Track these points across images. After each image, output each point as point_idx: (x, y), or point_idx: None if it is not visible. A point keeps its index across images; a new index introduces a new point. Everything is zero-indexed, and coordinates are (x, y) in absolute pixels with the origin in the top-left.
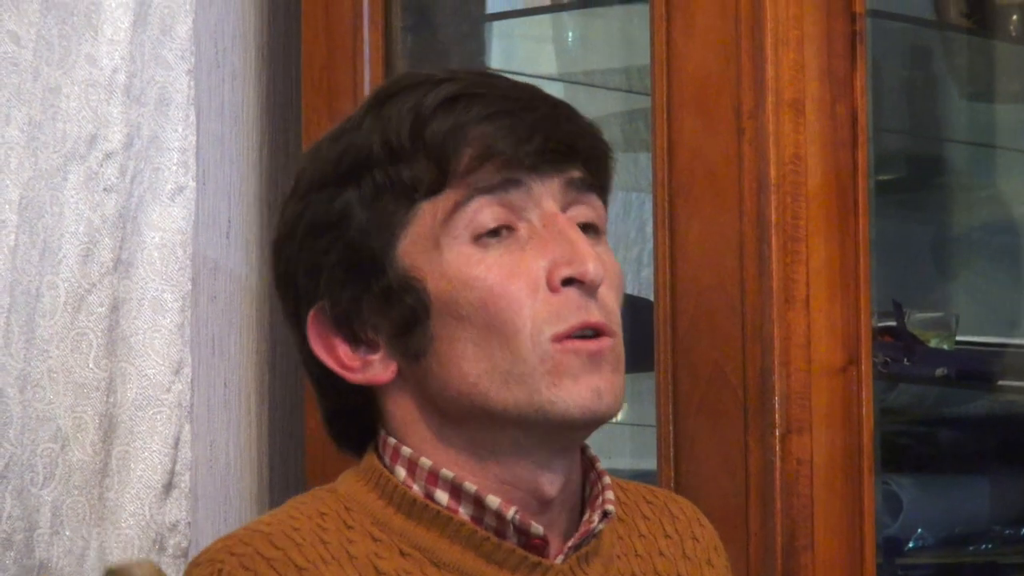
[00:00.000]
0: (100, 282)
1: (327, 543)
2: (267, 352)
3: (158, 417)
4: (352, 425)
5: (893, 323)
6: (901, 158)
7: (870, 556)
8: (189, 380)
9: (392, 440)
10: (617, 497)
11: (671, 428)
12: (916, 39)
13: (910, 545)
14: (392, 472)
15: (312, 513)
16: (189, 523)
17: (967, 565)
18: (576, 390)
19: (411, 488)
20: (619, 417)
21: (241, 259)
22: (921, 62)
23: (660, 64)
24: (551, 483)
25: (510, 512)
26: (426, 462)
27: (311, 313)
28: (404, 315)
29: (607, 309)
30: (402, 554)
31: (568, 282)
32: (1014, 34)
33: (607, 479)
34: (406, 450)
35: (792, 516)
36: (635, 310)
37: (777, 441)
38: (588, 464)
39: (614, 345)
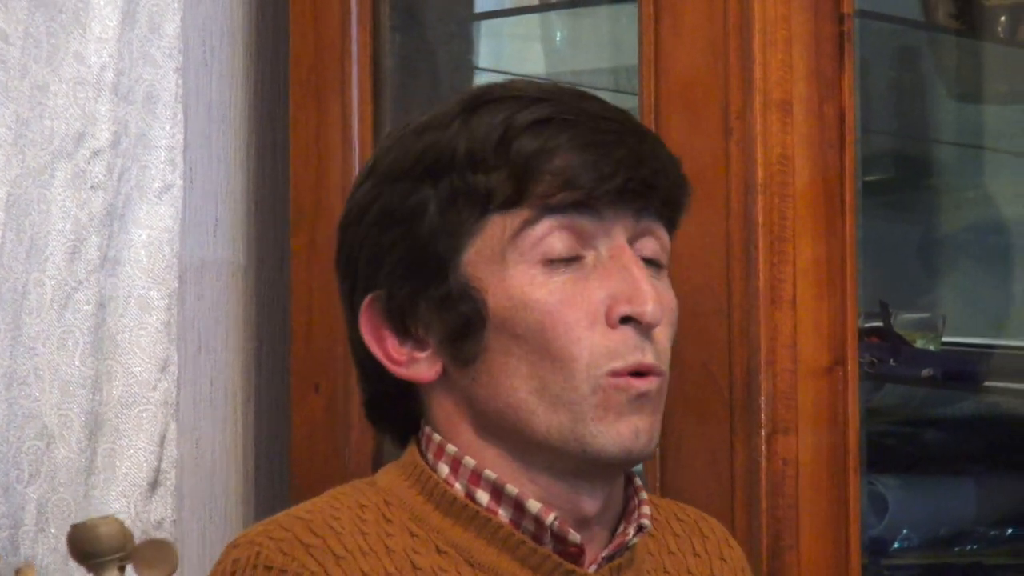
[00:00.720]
0: (87, 280)
1: (366, 534)
2: (253, 351)
3: (144, 415)
4: (392, 412)
5: (880, 324)
6: (889, 159)
7: (855, 556)
8: (175, 378)
9: (437, 437)
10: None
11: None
12: (904, 40)
13: (895, 545)
14: (435, 469)
15: (352, 504)
16: (175, 520)
17: (952, 566)
18: (617, 428)
19: (452, 486)
20: None
21: (228, 257)
22: (909, 63)
23: (648, 64)
24: (590, 504)
25: (549, 518)
26: (470, 461)
27: (367, 299)
28: (459, 322)
29: (660, 348)
30: (438, 551)
31: (626, 320)
32: (1002, 35)
33: (644, 494)
34: (451, 448)
35: (777, 516)
36: None
37: (763, 441)
38: (627, 478)
39: (661, 386)
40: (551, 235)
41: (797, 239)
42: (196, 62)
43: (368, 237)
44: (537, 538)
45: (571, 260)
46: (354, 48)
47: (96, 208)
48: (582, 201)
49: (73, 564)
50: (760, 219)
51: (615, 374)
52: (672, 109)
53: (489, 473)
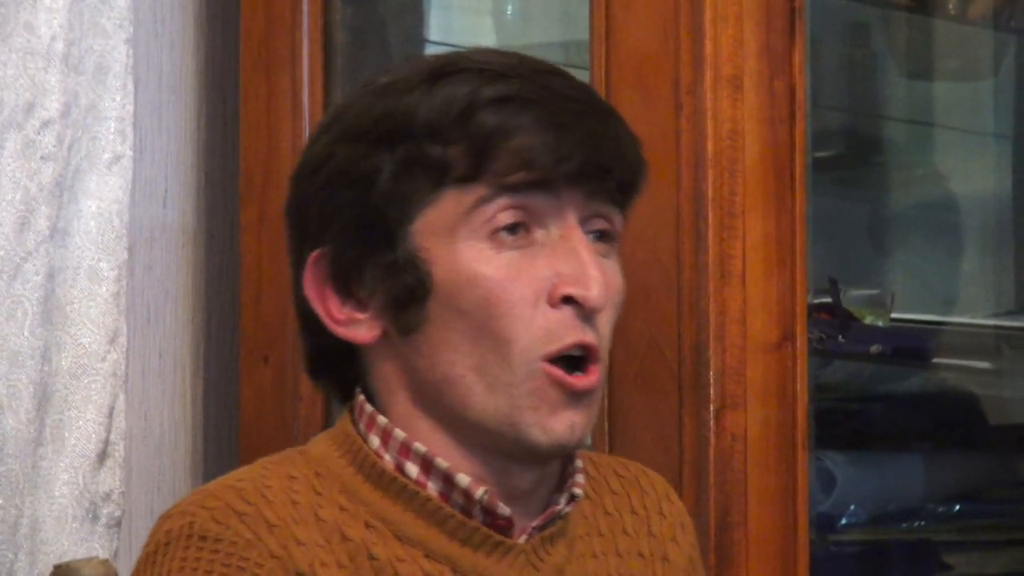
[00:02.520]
0: (36, 250)
1: (297, 504)
2: (202, 322)
3: (93, 386)
4: (333, 369)
5: (829, 300)
6: (839, 135)
7: (803, 532)
8: (124, 349)
9: (369, 408)
10: (587, 472)
11: (606, 403)
12: (855, 16)
13: (843, 521)
14: (366, 440)
15: (282, 475)
16: (123, 492)
17: (900, 542)
18: (551, 422)
19: (382, 458)
20: None
21: (177, 229)
22: (860, 39)
23: (599, 39)
24: (523, 482)
25: (479, 492)
26: (400, 434)
27: (313, 255)
28: (403, 290)
29: (601, 334)
30: (367, 526)
31: (569, 300)
32: (953, 12)
33: (579, 462)
34: (382, 419)
35: (726, 491)
36: None
37: (711, 416)
38: None
39: (598, 381)
40: (503, 213)
41: (747, 215)
42: (147, 33)
43: (320, 193)
44: (467, 511)
45: (520, 233)
46: (305, 20)
47: (46, 179)
48: (538, 181)
49: (21, 535)
50: (710, 194)
51: (551, 361)
52: (623, 84)
53: (419, 446)
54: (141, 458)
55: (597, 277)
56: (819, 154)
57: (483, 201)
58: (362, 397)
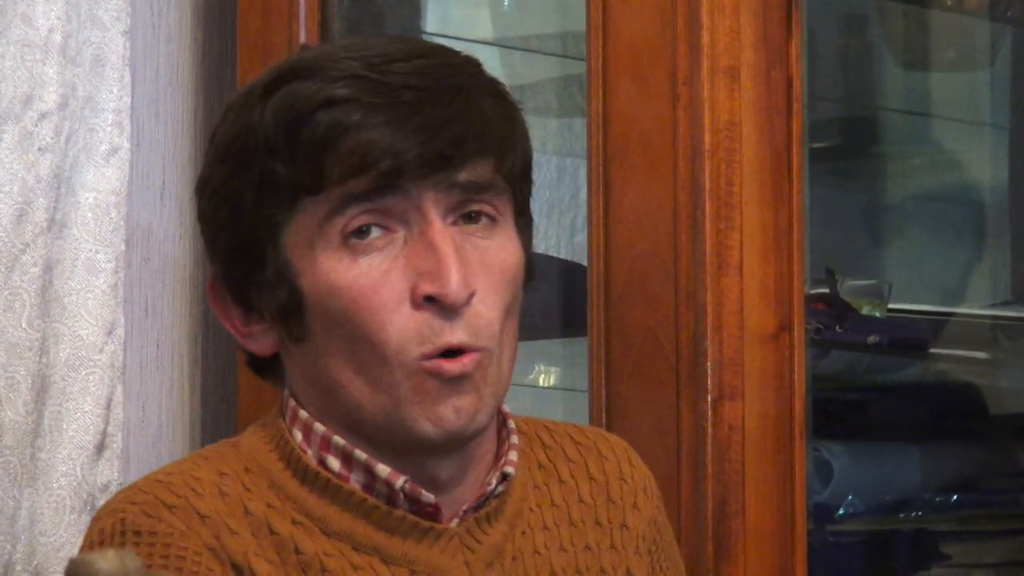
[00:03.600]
0: (34, 242)
1: (226, 496)
2: (200, 314)
3: (90, 378)
4: (269, 371)
5: (826, 290)
6: (836, 126)
7: (800, 522)
8: (122, 341)
9: (292, 402)
10: (542, 440)
11: (603, 393)
12: (851, 7)
13: (840, 512)
14: (291, 434)
15: (212, 471)
16: (121, 484)
17: (897, 532)
18: (435, 411)
19: (306, 452)
20: (551, 382)
21: (175, 221)
22: (856, 30)
23: (596, 30)
24: (443, 471)
25: (399, 481)
26: (320, 428)
27: (211, 274)
28: (282, 303)
29: (476, 324)
30: (294, 522)
31: (431, 299)
32: (949, 3)
33: (515, 438)
34: (303, 414)
35: (723, 482)
36: (569, 275)
37: (709, 407)
38: (501, 422)
39: (480, 360)
40: (356, 219)
41: (744, 205)
42: (144, 25)
43: (205, 214)
44: (391, 501)
45: (376, 235)
46: (302, 12)
47: (43, 171)
48: (384, 184)
49: (20, 527)
50: (707, 185)
51: (425, 357)
52: (620, 75)
53: (338, 440)
54: (139, 449)
55: (454, 271)
56: (816, 145)
57: (333, 212)
58: (287, 392)
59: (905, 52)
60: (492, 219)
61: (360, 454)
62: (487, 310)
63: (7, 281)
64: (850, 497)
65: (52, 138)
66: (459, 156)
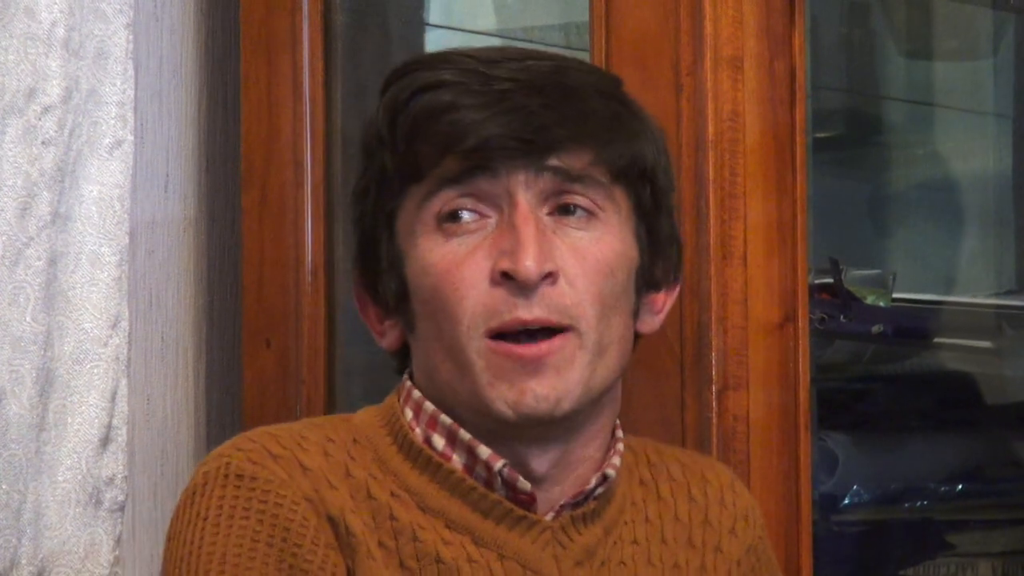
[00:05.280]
0: (38, 236)
1: (330, 456)
2: (204, 306)
3: (95, 371)
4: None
5: (830, 280)
6: (839, 116)
7: (806, 513)
8: (126, 334)
9: (408, 383)
10: (648, 459)
11: None
12: None
13: (845, 502)
14: (403, 413)
15: (320, 436)
16: (126, 477)
17: (902, 521)
18: (511, 395)
19: (414, 430)
20: None
21: (179, 213)
22: (859, 19)
23: (599, 20)
24: (540, 464)
25: (498, 464)
26: (429, 406)
27: (354, 272)
28: (394, 294)
29: (559, 303)
30: (392, 495)
31: (507, 276)
32: None
33: (620, 446)
34: (416, 393)
35: None
36: None
37: (714, 397)
38: (610, 432)
39: (563, 344)
40: (450, 203)
41: (748, 196)
42: (147, 17)
43: (352, 210)
44: (489, 484)
45: (472, 224)
46: (305, 3)
47: (47, 164)
48: (475, 166)
49: (25, 520)
50: (711, 176)
51: (494, 336)
52: (623, 65)
53: (445, 418)
54: (144, 443)
55: (531, 249)
56: (820, 135)
57: (429, 194)
58: (405, 375)
59: (908, 41)
60: (589, 212)
61: (464, 434)
62: (573, 292)
63: (11, 275)
64: (855, 487)
65: (55, 131)
66: (546, 140)
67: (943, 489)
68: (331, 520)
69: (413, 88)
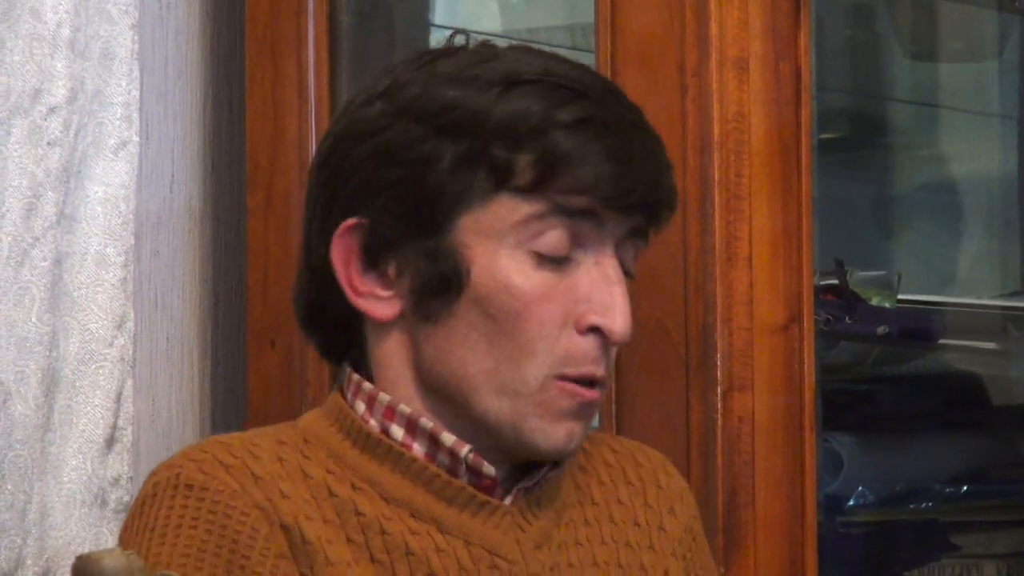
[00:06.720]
0: (43, 236)
1: (284, 461)
2: (210, 307)
3: (100, 372)
4: (326, 324)
5: (835, 281)
6: (844, 117)
7: (811, 514)
8: (132, 335)
9: (356, 377)
10: (583, 447)
11: (613, 385)
12: None
13: (851, 503)
14: (352, 407)
15: (271, 440)
16: (131, 478)
17: (907, 523)
18: (554, 430)
19: (368, 422)
20: None
21: (184, 214)
22: (864, 20)
23: (604, 21)
24: (496, 451)
25: (463, 450)
26: (385, 397)
27: (348, 223)
28: (436, 280)
29: (611, 362)
30: (353, 487)
31: (594, 330)
32: None
33: None
34: (367, 386)
35: (733, 473)
36: None
37: (719, 399)
38: None
39: (599, 397)
40: (552, 232)
41: (753, 197)
42: (152, 18)
43: (366, 163)
44: (452, 471)
45: (561, 258)
46: (310, 4)
47: (52, 164)
48: (592, 212)
49: (30, 520)
50: (716, 177)
51: (564, 379)
52: (628, 66)
53: (404, 408)
54: (149, 443)
55: (625, 312)
56: (825, 136)
57: (538, 217)
58: (350, 369)
59: (914, 43)
60: (630, 275)
61: (426, 422)
62: (615, 353)
63: (17, 275)
64: (860, 488)
65: (61, 132)
66: (658, 207)
67: (948, 490)
68: (285, 528)
69: (570, 118)
